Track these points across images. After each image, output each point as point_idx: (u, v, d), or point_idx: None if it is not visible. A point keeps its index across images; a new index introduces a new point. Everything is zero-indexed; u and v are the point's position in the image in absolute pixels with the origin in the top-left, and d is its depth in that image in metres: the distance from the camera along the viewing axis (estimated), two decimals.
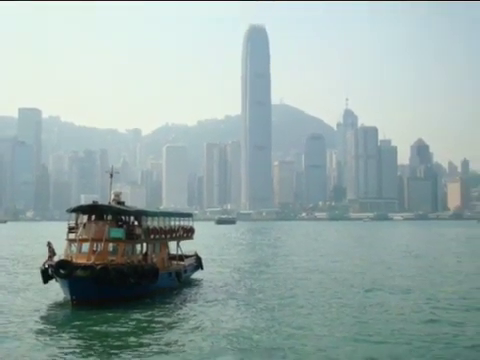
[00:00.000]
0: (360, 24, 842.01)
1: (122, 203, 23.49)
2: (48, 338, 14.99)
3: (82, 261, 19.48)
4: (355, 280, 26.94)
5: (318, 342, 14.27)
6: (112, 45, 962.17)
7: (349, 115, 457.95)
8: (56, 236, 29.41)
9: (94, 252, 20.10)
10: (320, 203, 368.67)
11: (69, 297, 19.05)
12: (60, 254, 20.61)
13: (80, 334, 15.43)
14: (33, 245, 57.71)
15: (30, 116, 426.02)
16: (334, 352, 13.34)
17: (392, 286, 24.60)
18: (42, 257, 22.03)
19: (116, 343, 14.39)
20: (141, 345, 14.11)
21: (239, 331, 15.42)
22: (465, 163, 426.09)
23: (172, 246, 26.68)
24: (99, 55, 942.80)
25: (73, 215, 22.17)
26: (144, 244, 22.65)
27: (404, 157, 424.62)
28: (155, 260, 22.86)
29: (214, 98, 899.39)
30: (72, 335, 15.29)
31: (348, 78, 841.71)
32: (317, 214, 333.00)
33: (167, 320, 17.19)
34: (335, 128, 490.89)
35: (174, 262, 25.77)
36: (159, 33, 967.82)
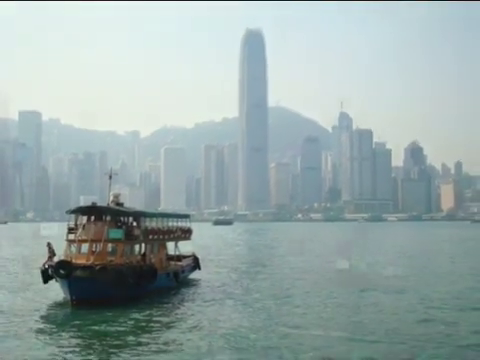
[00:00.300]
0: (355, 27, 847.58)
1: (121, 204, 23.71)
2: (48, 337, 15.16)
3: (81, 261, 19.69)
4: (350, 280, 27.29)
5: (314, 341, 14.49)
6: (111, 47, 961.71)
7: (344, 118, 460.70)
8: (56, 237, 29.42)
9: (93, 252, 20.30)
10: (315, 204, 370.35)
11: (69, 297, 19.23)
12: (60, 254, 20.77)
13: (79, 333, 15.62)
14: (33, 246, 57.84)
15: (30, 119, 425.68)
16: (330, 351, 13.56)
17: (386, 286, 24.95)
18: (42, 257, 22.28)
19: (115, 342, 14.57)
20: (140, 344, 14.28)
21: (236, 330, 15.65)
22: (458, 165, 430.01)
23: (171, 247, 26.84)
24: (98, 58, 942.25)
25: (72, 216, 22.34)
26: (142, 245, 22.87)
27: (398, 159, 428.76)
28: (153, 260, 23.11)
29: (212, 100, 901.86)
30: (72, 334, 15.47)
31: (343, 81, 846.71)
32: (312, 215, 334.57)
33: (165, 320, 17.41)
34: (330, 130, 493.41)
35: (172, 262, 25.99)
36: (158, 35, 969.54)
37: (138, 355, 13.30)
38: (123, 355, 13.29)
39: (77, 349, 13.84)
